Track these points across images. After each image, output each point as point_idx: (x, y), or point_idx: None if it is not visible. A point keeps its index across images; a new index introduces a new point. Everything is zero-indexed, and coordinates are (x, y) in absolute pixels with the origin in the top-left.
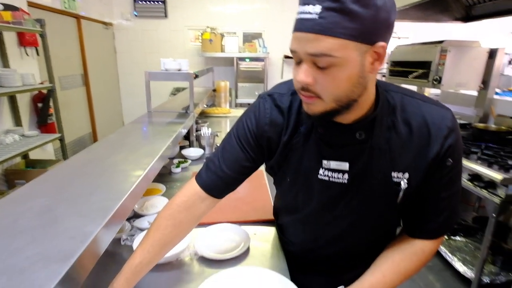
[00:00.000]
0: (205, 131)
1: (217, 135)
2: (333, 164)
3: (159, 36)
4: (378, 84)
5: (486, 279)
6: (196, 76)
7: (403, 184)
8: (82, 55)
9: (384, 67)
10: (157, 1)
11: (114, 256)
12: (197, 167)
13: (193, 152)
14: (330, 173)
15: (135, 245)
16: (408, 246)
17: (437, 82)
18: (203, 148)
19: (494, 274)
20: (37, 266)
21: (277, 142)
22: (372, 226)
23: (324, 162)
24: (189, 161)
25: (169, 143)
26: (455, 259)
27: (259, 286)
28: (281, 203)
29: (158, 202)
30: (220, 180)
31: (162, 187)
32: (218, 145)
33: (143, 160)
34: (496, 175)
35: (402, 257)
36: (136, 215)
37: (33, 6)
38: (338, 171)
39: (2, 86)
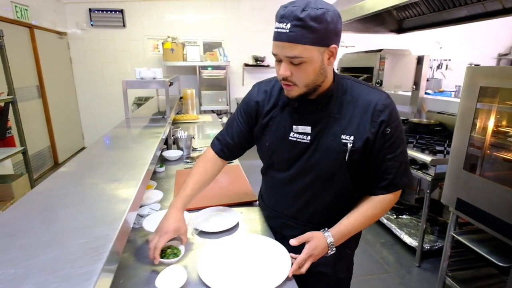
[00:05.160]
0: (182, 134)
1: (193, 138)
2: (300, 128)
3: (116, 46)
4: (335, 73)
5: (427, 246)
6: (171, 84)
7: (349, 144)
8: (37, 66)
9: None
10: (114, 11)
11: None
12: (178, 167)
13: (173, 153)
14: (297, 135)
15: (145, 225)
16: (373, 198)
17: (379, 84)
18: (181, 149)
19: (433, 242)
20: (97, 224)
21: (260, 112)
22: (328, 184)
23: (294, 127)
24: (170, 162)
25: (157, 145)
26: (403, 233)
27: (251, 248)
28: (263, 166)
29: (152, 194)
30: (226, 148)
31: (153, 183)
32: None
33: (140, 161)
34: (427, 158)
35: (369, 206)
36: None
37: None
38: (303, 133)
39: None
